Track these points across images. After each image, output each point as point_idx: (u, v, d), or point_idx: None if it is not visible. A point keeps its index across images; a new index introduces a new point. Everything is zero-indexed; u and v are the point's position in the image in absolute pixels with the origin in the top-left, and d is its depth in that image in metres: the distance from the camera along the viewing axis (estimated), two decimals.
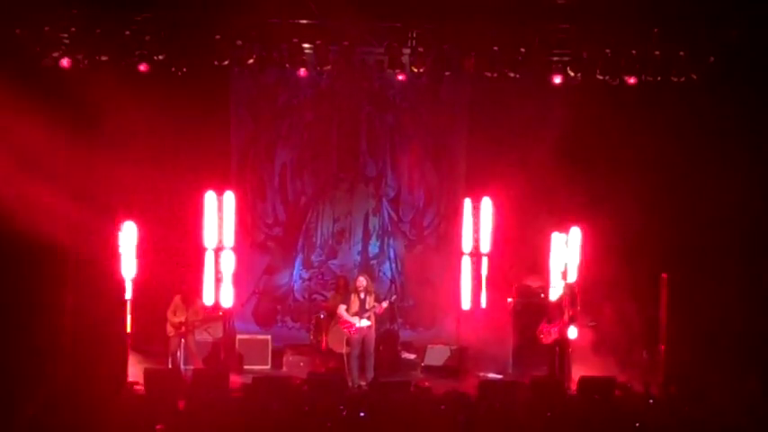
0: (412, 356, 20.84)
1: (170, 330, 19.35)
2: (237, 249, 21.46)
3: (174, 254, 21.02)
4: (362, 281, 19.49)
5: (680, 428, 15.10)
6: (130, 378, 17.83)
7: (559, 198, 20.78)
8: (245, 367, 19.77)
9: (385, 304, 19.49)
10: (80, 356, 17.98)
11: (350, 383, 18.69)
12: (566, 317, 19.05)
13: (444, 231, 22.46)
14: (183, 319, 19.35)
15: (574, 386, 17.92)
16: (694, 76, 19.52)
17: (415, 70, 19.99)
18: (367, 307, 19.18)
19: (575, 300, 19.57)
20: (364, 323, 19.17)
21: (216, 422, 14.60)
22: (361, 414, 14.97)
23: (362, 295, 19.30)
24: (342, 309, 19.46)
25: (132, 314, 20.49)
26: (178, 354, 19.41)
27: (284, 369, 20.08)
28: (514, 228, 21.18)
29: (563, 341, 18.98)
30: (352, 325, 19.21)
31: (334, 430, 14.66)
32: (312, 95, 21.96)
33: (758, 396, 16.97)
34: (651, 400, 17.09)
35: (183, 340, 19.41)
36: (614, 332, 20.36)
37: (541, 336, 19.29)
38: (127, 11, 18.98)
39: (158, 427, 14.22)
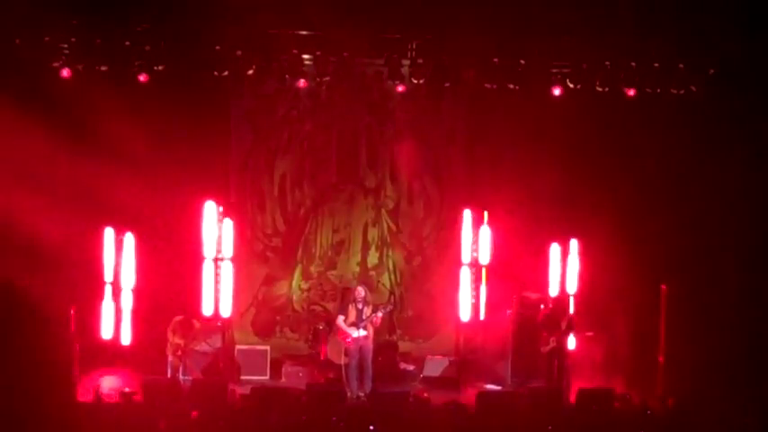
0: (411, 367, 20.81)
1: (169, 349, 19.31)
2: (236, 260, 21.49)
3: (173, 264, 20.97)
4: (361, 291, 19.51)
5: None
6: (129, 389, 17.77)
7: (558, 209, 20.81)
8: (244, 378, 19.72)
9: (380, 314, 19.46)
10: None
11: (348, 394, 18.69)
12: (562, 327, 19.07)
13: (444, 242, 22.41)
14: (181, 342, 19.29)
15: (573, 397, 17.90)
16: (694, 88, 19.59)
17: (415, 81, 20.04)
18: (363, 317, 19.19)
19: (566, 310, 19.65)
20: (360, 333, 19.17)
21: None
22: (371, 428, 14.96)
23: (360, 306, 19.31)
24: (340, 319, 19.46)
25: (132, 324, 20.60)
26: (179, 368, 19.40)
27: (283, 380, 20.03)
28: (513, 239, 21.14)
29: (561, 351, 18.97)
30: (348, 335, 19.20)
31: None
32: (312, 106, 21.91)
33: (758, 408, 16.96)
34: (649, 412, 17.08)
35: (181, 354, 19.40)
36: (613, 343, 20.37)
37: (541, 344, 19.33)
38: (127, 21, 19.03)
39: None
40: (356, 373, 19.14)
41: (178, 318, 19.48)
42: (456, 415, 15.88)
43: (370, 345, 19.34)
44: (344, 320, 19.35)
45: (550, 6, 19.03)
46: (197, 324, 19.88)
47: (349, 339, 19.20)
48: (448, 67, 19.74)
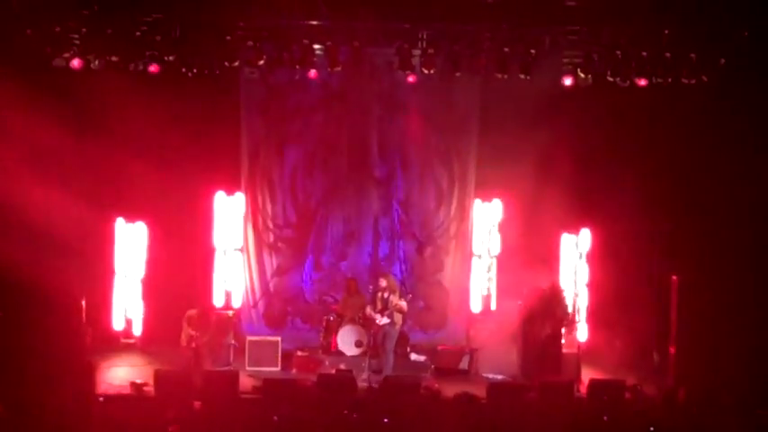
0: (422, 358, 20.80)
1: (183, 340, 19.32)
2: (247, 250, 21.53)
3: (184, 254, 20.97)
4: (382, 282, 19.83)
5: None
6: (140, 380, 17.79)
7: (569, 200, 20.75)
8: (256, 369, 19.70)
9: (404, 302, 19.72)
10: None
11: (364, 378, 18.71)
12: (557, 314, 19.17)
13: (455, 233, 22.42)
14: (195, 334, 19.25)
15: (584, 389, 17.88)
16: (705, 78, 19.49)
17: (426, 71, 19.98)
18: (389, 305, 19.48)
19: (561, 297, 19.72)
20: (384, 321, 19.46)
21: (226, 423, 14.61)
22: (385, 420, 14.95)
23: (386, 294, 19.59)
24: (367, 309, 19.91)
25: (143, 315, 20.64)
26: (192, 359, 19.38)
27: (294, 371, 20.04)
28: (524, 229, 21.12)
29: (556, 339, 19.06)
30: (374, 321, 19.58)
31: (344, 431, 14.66)
32: (322, 96, 21.92)
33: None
34: (661, 404, 17.04)
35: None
36: (624, 334, 20.35)
37: (536, 332, 19.46)
38: (137, 12, 19.01)
39: (171, 429, 14.21)
40: (376, 359, 19.52)
41: (194, 311, 19.48)
42: (467, 406, 15.82)
43: (393, 331, 19.66)
44: (372, 309, 19.72)
45: None
46: (214, 317, 19.88)
47: (375, 327, 19.60)
48: (458, 57, 19.69)
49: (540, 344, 19.34)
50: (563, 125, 21.00)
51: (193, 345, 19.12)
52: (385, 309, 19.53)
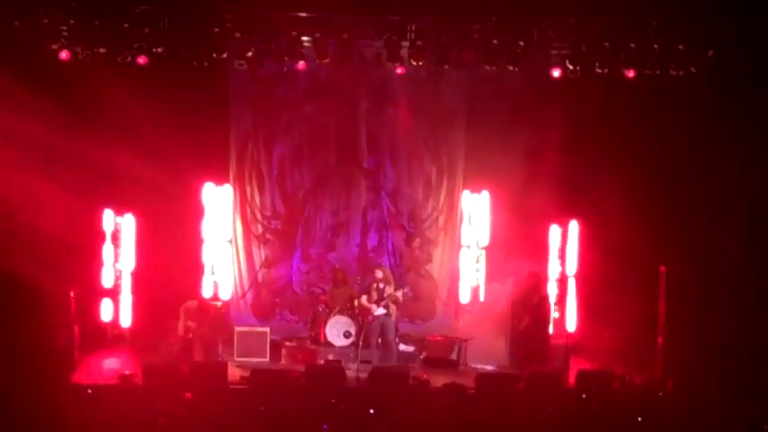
0: (410, 349, 20.83)
1: (180, 329, 19.31)
2: (236, 242, 21.54)
3: (173, 246, 20.95)
4: (379, 273, 20.10)
5: (677, 421, 15.11)
6: (128, 372, 17.79)
7: (558, 191, 20.80)
8: (244, 360, 19.72)
9: (400, 293, 20.06)
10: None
11: (352, 368, 18.74)
12: (533, 302, 19.28)
13: (443, 224, 22.44)
14: (193, 325, 19.26)
15: (572, 378, 17.93)
16: (693, 70, 19.54)
17: (414, 63, 20.02)
18: (385, 296, 19.63)
19: (539, 286, 19.84)
20: (380, 311, 19.67)
21: (215, 414, 14.61)
22: (371, 411, 14.97)
23: (381, 285, 19.85)
24: (363, 299, 20.08)
25: (131, 307, 20.62)
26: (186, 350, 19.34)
27: (282, 362, 20.06)
28: (513, 221, 21.15)
29: (535, 327, 19.14)
30: (370, 312, 19.71)
31: (332, 422, 14.66)
32: (311, 88, 21.89)
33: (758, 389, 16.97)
34: (649, 393, 17.09)
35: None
36: (612, 325, 20.39)
37: (516, 321, 19.52)
38: (125, 3, 19.00)
39: (160, 420, 14.21)
40: (380, 351, 19.79)
41: (193, 302, 19.52)
42: (455, 396, 15.89)
43: (390, 322, 19.87)
44: (367, 299, 19.90)
45: None
46: (213, 310, 19.93)
47: (370, 317, 19.72)
48: (447, 49, 19.71)
49: (527, 334, 19.41)
50: (551, 117, 21.06)
51: (190, 335, 19.15)
52: (381, 299, 19.70)
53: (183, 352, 18.97)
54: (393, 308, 19.98)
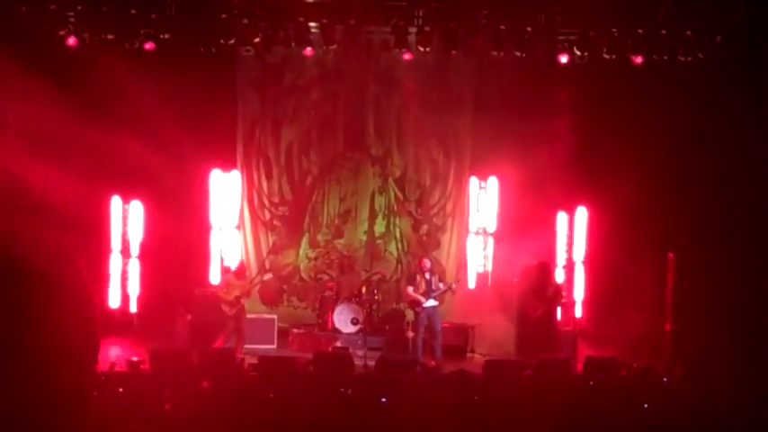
0: None
1: (227, 309, 19.25)
2: (243, 228, 21.53)
3: (181, 232, 20.93)
4: (427, 262, 19.69)
5: (685, 408, 15.09)
6: (136, 358, 17.79)
7: (566, 177, 20.77)
8: (252, 347, 19.71)
9: (455, 286, 19.82)
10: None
11: (360, 355, 18.70)
12: (548, 294, 19.20)
13: (451, 211, 22.44)
14: (238, 293, 19.14)
15: (580, 366, 17.91)
16: (701, 56, 19.52)
17: (422, 49, 20.00)
18: (433, 287, 19.32)
19: (551, 277, 19.82)
20: (431, 303, 19.35)
21: (223, 401, 14.61)
22: (383, 400, 14.95)
23: (428, 275, 19.43)
24: (410, 289, 19.62)
25: (139, 292, 20.65)
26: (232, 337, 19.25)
27: (290, 348, 20.06)
28: (520, 207, 21.13)
29: (548, 318, 19.10)
30: (419, 303, 19.36)
31: (340, 409, 14.66)
32: (318, 74, 21.88)
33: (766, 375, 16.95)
34: (656, 380, 17.07)
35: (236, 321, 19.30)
36: (621, 312, 20.36)
37: (530, 310, 19.46)
38: None
39: (167, 406, 14.21)
40: (427, 343, 19.52)
41: (230, 274, 19.50)
42: (463, 383, 15.84)
43: (438, 314, 19.64)
44: (414, 290, 19.48)
45: None
46: (248, 273, 19.95)
47: (419, 309, 19.41)
48: (454, 35, 19.69)
49: (535, 322, 19.38)
50: (559, 103, 21.01)
51: (241, 303, 19.03)
52: (430, 291, 19.36)
53: (229, 331, 18.98)
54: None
